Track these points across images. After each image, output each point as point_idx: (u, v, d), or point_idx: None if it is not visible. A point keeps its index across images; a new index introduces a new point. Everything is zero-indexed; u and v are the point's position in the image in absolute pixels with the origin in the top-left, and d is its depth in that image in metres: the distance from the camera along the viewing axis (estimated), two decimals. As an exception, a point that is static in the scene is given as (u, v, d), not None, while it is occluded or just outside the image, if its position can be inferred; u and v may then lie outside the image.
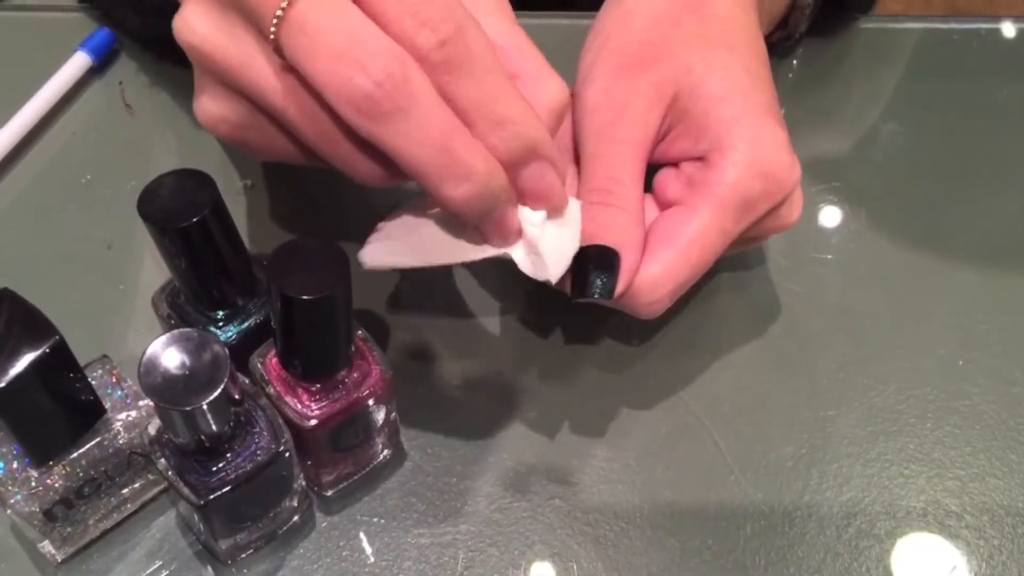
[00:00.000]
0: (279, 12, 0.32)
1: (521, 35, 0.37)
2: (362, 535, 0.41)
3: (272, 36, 0.32)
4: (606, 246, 0.38)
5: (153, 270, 0.47)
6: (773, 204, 0.40)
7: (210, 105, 0.36)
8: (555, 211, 0.37)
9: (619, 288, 0.38)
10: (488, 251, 0.37)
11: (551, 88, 0.36)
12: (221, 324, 0.39)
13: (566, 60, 0.42)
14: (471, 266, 0.37)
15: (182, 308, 0.40)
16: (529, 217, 0.36)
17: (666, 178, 0.42)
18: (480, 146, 0.33)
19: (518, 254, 0.37)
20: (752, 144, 0.39)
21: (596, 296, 0.38)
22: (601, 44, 0.43)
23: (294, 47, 0.32)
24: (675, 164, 0.42)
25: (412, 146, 0.32)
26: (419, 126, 0.32)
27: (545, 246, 0.37)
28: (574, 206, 0.38)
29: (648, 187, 0.42)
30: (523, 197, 0.36)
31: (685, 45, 0.41)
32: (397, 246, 0.38)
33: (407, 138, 0.32)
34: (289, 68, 0.33)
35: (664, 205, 0.41)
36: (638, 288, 0.39)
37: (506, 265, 0.38)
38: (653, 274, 0.39)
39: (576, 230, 0.38)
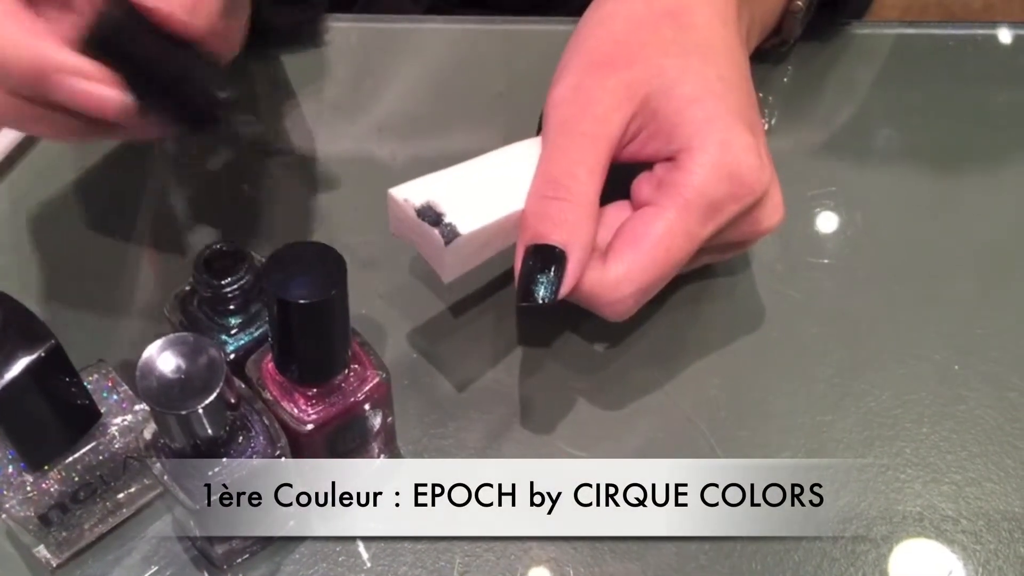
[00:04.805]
0: None
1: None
2: (358, 540, 0.41)
3: None
4: (550, 246, 0.38)
5: (150, 275, 0.47)
6: (742, 207, 0.40)
7: None
8: None
9: (563, 290, 0.38)
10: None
11: None
12: (234, 332, 0.40)
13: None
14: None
15: (194, 315, 0.40)
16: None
17: (640, 181, 0.42)
18: None
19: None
20: (721, 146, 0.39)
21: (539, 302, 0.38)
22: (577, 44, 0.43)
23: None
24: (649, 167, 0.42)
25: None
26: None
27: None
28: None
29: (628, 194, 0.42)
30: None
31: (660, 50, 0.41)
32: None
33: None
34: None
35: (638, 207, 0.41)
36: (601, 289, 0.39)
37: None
38: (616, 274, 0.39)
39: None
